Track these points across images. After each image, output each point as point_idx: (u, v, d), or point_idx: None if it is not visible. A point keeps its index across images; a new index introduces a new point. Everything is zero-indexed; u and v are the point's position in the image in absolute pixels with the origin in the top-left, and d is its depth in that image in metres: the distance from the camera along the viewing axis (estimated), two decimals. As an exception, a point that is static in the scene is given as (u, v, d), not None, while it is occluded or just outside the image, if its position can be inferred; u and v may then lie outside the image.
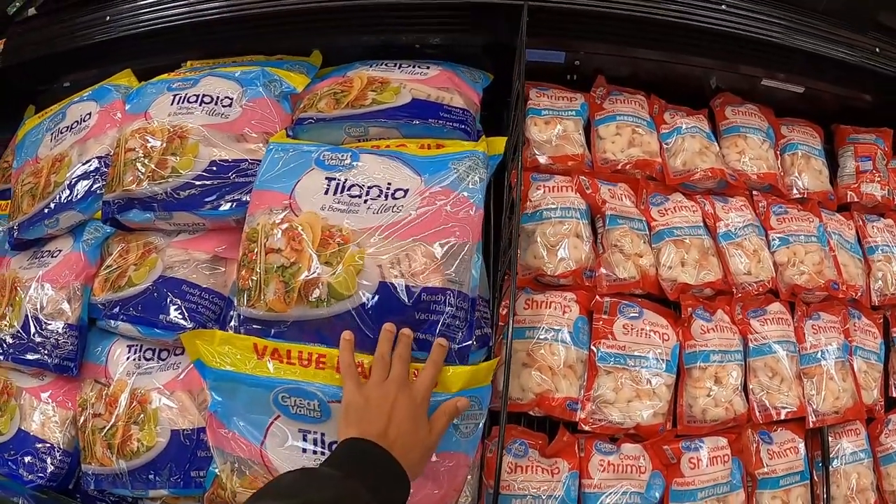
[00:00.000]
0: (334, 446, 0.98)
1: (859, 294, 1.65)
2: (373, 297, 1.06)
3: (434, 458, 1.00)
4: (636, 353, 1.38)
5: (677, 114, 1.75)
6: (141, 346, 1.33)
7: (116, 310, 1.31)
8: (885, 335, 1.67)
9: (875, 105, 1.84)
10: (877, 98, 1.83)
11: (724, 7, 1.58)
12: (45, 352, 1.33)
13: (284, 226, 1.15)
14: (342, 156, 1.22)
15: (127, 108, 1.49)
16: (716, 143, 1.70)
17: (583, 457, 1.32)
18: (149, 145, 1.35)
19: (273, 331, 1.11)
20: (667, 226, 1.54)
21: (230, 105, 1.38)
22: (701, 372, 1.41)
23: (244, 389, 1.07)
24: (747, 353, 1.48)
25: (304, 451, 1.04)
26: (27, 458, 1.31)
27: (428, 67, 1.44)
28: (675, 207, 1.58)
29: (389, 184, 1.16)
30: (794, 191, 1.75)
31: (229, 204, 1.28)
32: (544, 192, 1.47)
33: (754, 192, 1.70)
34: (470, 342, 1.05)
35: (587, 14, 1.50)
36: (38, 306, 1.37)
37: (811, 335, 1.54)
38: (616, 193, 1.52)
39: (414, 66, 1.45)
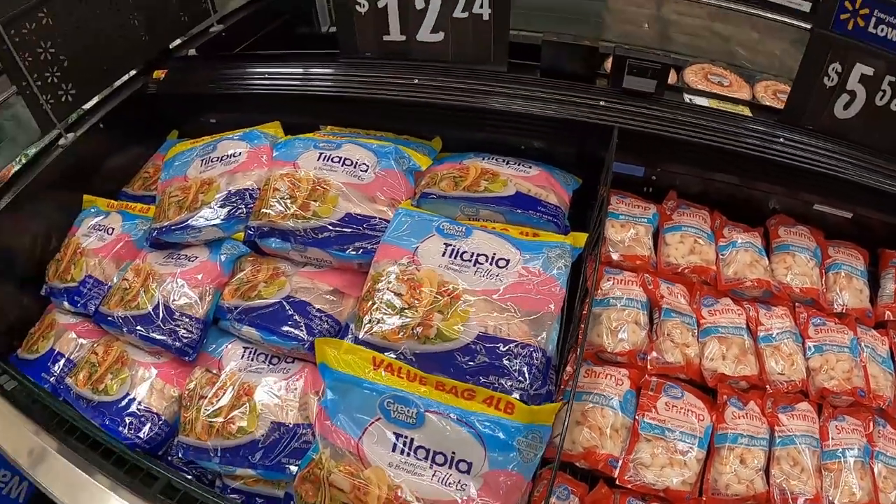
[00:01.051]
0: (419, 450, 1.28)
1: (886, 404, 1.75)
2: (472, 343, 1.38)
3: (500, 474, 1.28)
4: (674, 428, 1.60)
5: (735, 230, 1.99)
6: (255, 350, 1.63)
7: (243, 315, 1.62)
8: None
9: None
10: None
11: (781, 140, 1.86)
12: (171, 336, 1.64)
13: (407, 276, 1.48)
14: (458, 228, 1.56)
15: (275, 154, 1.86)
16: (766, 258, 1.93)
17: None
18: (295, 189, 1.71)
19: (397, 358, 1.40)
20: (714, 324, 1.79)
21: (366, 171, 1.75)
22: (728, 451, 1.60)
23: (356, 391, 1.34)
24: (773, 442, 1.65)
25: (394, 449, 1.29)
26: (129, 419, 1.58)
27: (530, 167, 1.79)
28: (723, 309, 1.83)
29: (495, 254, 1.50)
30: (835, 306, 1.91)
31: (357, 250, 1.62)
32: (613, 283, 1.77)
33: (797, 304, 1.92)
34: (544, 389, 1.35)
35: (667, 140, 1.81)
36: (171, 297, 1.69)
37: (835, 434, 1.68)
38: (673, 291, 1.81)
39: (519, 164, 1.80)
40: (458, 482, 1.26)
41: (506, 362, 1.36)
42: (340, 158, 1.76)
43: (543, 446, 1.32)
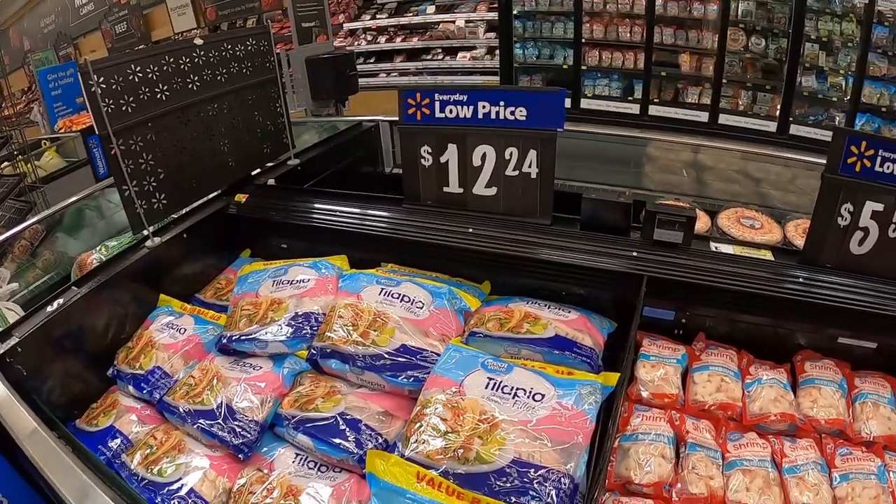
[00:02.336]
0: None
1: None
2: (507, 466, 1.62)
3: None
4: None
5: (761, 367, 2.12)
6: (306, 457, 1.85)
7: (299, 424, 1.86)
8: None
9: None
10: None
11: (801, 280, 2.05)
12: (230, 433, 1.87)
13: (453, 404, 1.73)
14: (501, 364, 1.81)
15: (340, 284, 2.17)
16: (791, 393, 2.05)
17: None
18: (357, 318, 2.01)
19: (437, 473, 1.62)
20: (738, 457, 1.90)
21: (422, 308, 2.03)
22: None
23: (400, 500, 1.55)
24: None
25: None
26: (177, 502, 1.77)
27: (569, 311, 2.04)
28: (748, 443, 1.95)
29: (532, 389, 1.73)
30: (863, 434, 2.01)
31: (409, 378, 1.87)
32: (642, 419, 1.95)
33: (823, 435, 2.01)
34: None
35: (693, 286, 2.03)
36: (234, 399, 1.94)
37: None
38: (699, 427, 1.96)
39: (559, 309, 2.06)
40: None
41: (536, 486, 1.57)
42: (399, 295, 2.06)
43: None
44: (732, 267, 2.09)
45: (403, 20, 8.63)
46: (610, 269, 2.06)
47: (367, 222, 2.34)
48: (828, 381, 2.11)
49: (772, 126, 4.09)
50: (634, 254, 2.10)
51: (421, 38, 8.49)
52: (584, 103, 4.31)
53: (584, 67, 5.63)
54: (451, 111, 2.26)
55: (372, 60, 8.83)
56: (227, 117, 2.54)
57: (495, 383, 1.78)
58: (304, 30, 3.87)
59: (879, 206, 2.03)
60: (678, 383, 2.08)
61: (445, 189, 2.28)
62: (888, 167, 2.01)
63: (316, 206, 2.47)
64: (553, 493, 1.57)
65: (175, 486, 1.82)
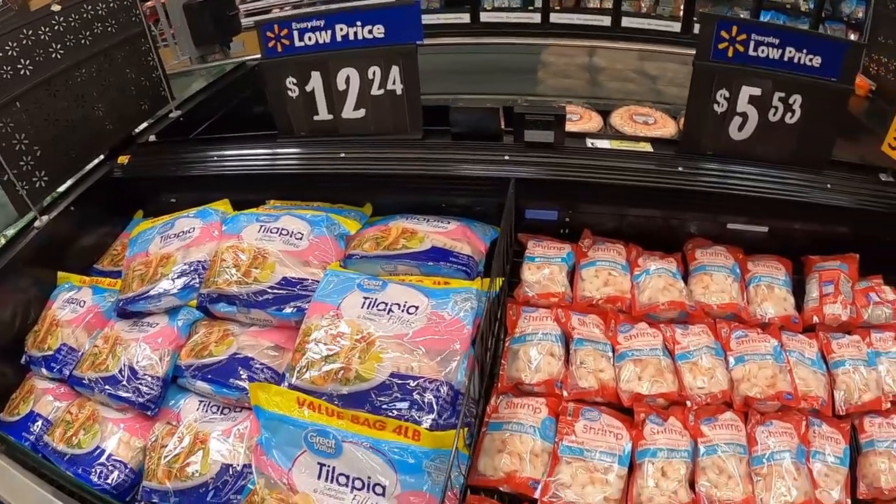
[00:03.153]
0: (340, 476, 1.55)
1: (820, 404, 1.84)
2: (386, 381, 1.67)
3: (412, 495, 1.52)
4: (593, 448, 1.72)
5: (650, 258, 2.16)
6: (209, 402, 1.92)
7: (197, 372, 1.91)
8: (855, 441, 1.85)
9: (843, 235, 2.20)
10: (834, 228, 2.19)
11: (680, 169, 2.07)
12: (135, 393, 1.92)
13: (332, 328, 1.79)
14: (376, 283, 1.85)
15: (224, 228, 2.18)
16: (681, 281, 2.08)
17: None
18: (239, 259, 2.03)
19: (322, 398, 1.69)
20: (629, 348, 1.94)
21: (301, 238, 2.05)
22: (649, 465, 1.70)
23: (285, 428, 1.61)
24: (697, 454, 1.73)
25: (319, 476, 1.56)
26: (99, 469, 1.82)
27: (449, 222, 2.08)
28: (638, 334, 1.98)
29: (406, 302, 1.79)
30: (758, 316, 2.03)
31: (293, 309, 1.91)
32: (529, 321, 1.99)
33: (718, 320, 2.05)
34: (452, 419, 1.61)
35: (569, 184, 2.07)
36: (135, 359, 1.98)
37: (762, 439, 1.76)
38: (585, 322, 1.99)
39: (439, 221, 2.10)
40: None
41: (416, 396, 1.64)
42: (278, 229, 2.08)
43: (447, 469, 1.56)
44: (609, 161, 2.12)
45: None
46: (481, 175, 2.09)
47: (246, 163, 2.34)
48: (719, 266, 2.15)
49: (676, 26, 4.04)
50: (506, 157, 2.12)
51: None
52: (484, 17, 4.23)
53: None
54: (310, 38, 2.22)
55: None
56: (98, 80, 2.48)
57: (371, 302, 1.82)
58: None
59: (756, 91, 2.04)
60: (564, 281, 2.11)
61: (316, 118, 2.27)
62: (763, 51, 2.00)
63: (196, 154, 2.46)
64: (433, 400, 1.65)
65: (95, 455, 1.88)
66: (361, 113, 2.24)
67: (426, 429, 1.59)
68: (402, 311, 1.79)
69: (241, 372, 1.88)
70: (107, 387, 1.96)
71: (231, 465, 1.76)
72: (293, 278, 1.97)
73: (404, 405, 1.65)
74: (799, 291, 2.18)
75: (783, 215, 2.16)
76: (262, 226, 2.11)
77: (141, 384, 1.95)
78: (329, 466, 1.58)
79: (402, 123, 2.23)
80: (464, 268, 1.93)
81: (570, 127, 2.49)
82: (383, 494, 1.53)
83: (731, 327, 2.05)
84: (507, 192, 2.07)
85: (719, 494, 1.68)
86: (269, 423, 1.66)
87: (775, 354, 1.94)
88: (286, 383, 1.77)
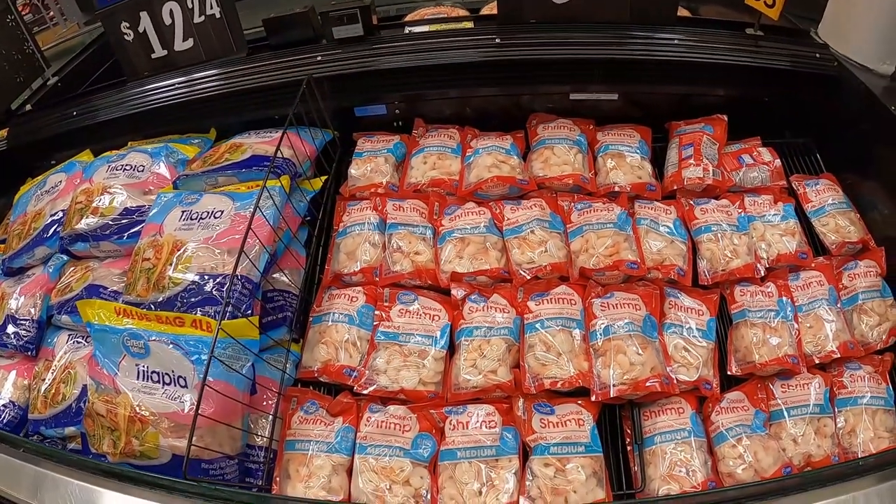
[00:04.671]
0: (153, 374, 1.67)
1: (676, 273, 1.84)
2: (192, 283, 1.79)
3: (210, 381, 1.56)
4: (408, 332, 1.78)
5: (485, 139, 2.13)
6: (76, 334, 2.07)
7: (60, 308, 2.07)
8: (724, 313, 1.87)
9: (711, 97, 2.18)
10: (695, 88, 2.17)
11: (499, 41, 2.05)
12: (15, 340, 2.10)
13: (154, 244, 1.90)
14: (193, 196, 1.96)
15: (83, 176, 2.33)
16: (515, 157, 2.05)
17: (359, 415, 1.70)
18: (89, 199, 2.16)
19: (144, 308, 1.82)
20: (450, 228, 1.94)
21: (143, 170, 2.19)
22: (467, 345, 1.73)
23: (108, 337, 1.74)
24: (524, 331, 1.74)
25: (138, 377, 1.69)
26: None
27: (275, 132, 2.17)
28: (463, 213, 1.97)
29: (214, 208, 1.89)
30: (607, 185, 2.02)
31: (133, 236, 2.04)
32: (350, 213, 2.05)
33: (559, 193, 2.02)
34: (250, 311, 1.73)
35: (380, 73, 2.09)
36: (15, 309, 2.16)
37: (600, 312, 1.74)
38: (402, 207, 2.01)
39: (268, 132, 2.20)
40: (181, 396, 1.64)
41: (214, 292, 1.76)
42: (123, 166, 2.21)
43: (250, 358, 1.67)
44: (424, 45, 2.12)
45: None
46: (296, 79, 2.10)
47: (104, 111, 2.43)
48: (561, 138, 2.11)
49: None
50: (319, 58, 2.16)
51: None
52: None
53: None
54: (134, -20, 2.30)
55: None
56: (-36, 63, 2.61)
57: (187, 214, 1.94)
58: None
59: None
60: (390, 171, 2.13)
61: (153, 56, 2.37)
62: None
63: (65, 113, 2.55)
64: (232, 294, 1.73)
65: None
66: (190, 43, 2.32)
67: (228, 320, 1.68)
68: (210, 216, 1.89)
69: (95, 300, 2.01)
70: (-3, 339, 2.14)
71: (89, 384, 1.92)
72: (132, 207, 2.10)
73: (206, 303, 1.76)
74: (662, 160, 2.15)
75: (629, 78, 2.11)
76: (109, 165, 2.24)
77: (20, 329, 2.13)
78: (144, 366, 1.71)
79: (228, 45, 2.30)
80: (276, 169, 2.00)
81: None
82: (186, 386, 1.65)
83: (573, 200, 2.01)
84: (330, 94, 2.14)
85: (546, 372, 1.67)
86: (98, 334, 1.80)
87: (619, 223, 1.90)
88: (122, 299, 1.90)
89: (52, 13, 3.85)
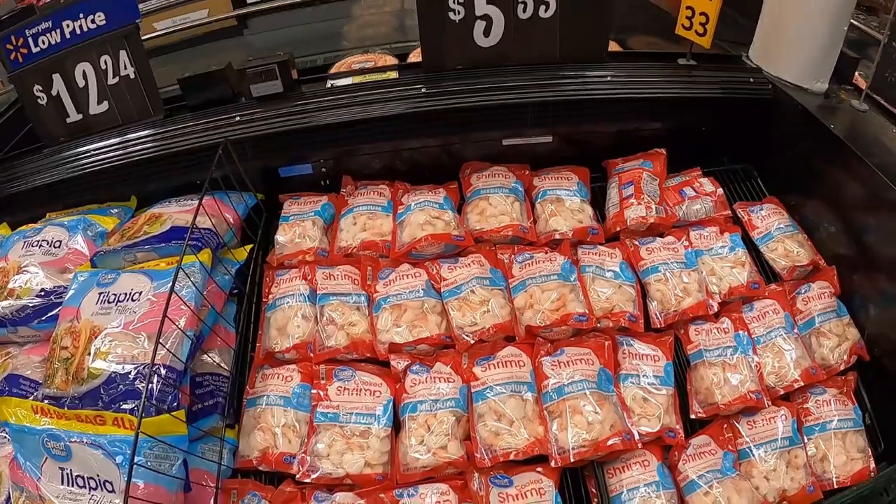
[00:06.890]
0: (78, 479, 1.58)
1: (627, 319, 1.80)
2: (111, 374, 1.71)
3: (135, 488, 1.47)
4: (348, 411, 1.69)
5: (416, 193, 2.05)
6: None
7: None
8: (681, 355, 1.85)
9: (647, 130, 2.15)
10: (630, 124, 2.14)
11: (423, 90, 1.99)
12: None
13: (71, 330, 1.82)
14: (110, 276, 1.89)
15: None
16: (450, 212, 1.98)
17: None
18: (5, 278, 2.07)
19: (65, 403, 1.75)
20: (385, 295, 1.86)
21: (59, 245, 2.10)
22: (413, 421, 1.65)
23: (27, 438, 1.67)
24: (472, 400, 1.67)
25: (62, 482, 1.60)
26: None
27: (195, 199, 2.08)
28: (398, 277, 1.89)
29: (132, 289, 1.82)
30: (547, 233, 1.97)
31: (51, 320, 1.95)
32: (279, 284, 1.98)
33: (499, 246, 1.96)
34: (176, 404, 1.65)
35: (302, 131, 2.02)
36: None
37: (550, 372, 1.68)
38: (332, 275, 1.93)
39: (187, 200, 2.13)
40: (109, 503, 1.56)
41: (137, 385, 1.68)
42: (39, 241, 2.13)
43: (179, 456, 1.59)
44: (347, 98, 2.06)
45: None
46: (215, 143, 2.02)
47: (20, 180, 2.33)
48: (496, 188, 2.04)
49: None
50: (237, 118, 2.09)
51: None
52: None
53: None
54: (44, 42, 2.24)
55: None
56: None
57: (104, 296, 1.87)
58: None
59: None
60: (318, 235, 2.05)
61: (69, 121, 2.30)
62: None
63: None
64: (152, 387, 1.66)
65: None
66: (105, 106, 2.25)
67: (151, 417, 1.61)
68: (128, 299, 1.82)
69: (11, 391, 1.94)
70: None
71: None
72: (49, 288, 2.03)
73: (127, 397, 1.69)
74: (602, 200, 2.11)
75: (563, 119, 2.07)
76: (24, 241, 2.16)
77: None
78: (67, 470, 1.63)
79: (144, 107, 2.23)
80: (196, 242, 1.93)
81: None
82: (113, 491, 1.57)
83: (514, 252, 1.94)
84: (249, 156, 2.06)
85: (500, 443, 1.60)
86: (17, 435, 1.72)
87: (563, 273, 1.85)
88: (41, 394, 1.82)
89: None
